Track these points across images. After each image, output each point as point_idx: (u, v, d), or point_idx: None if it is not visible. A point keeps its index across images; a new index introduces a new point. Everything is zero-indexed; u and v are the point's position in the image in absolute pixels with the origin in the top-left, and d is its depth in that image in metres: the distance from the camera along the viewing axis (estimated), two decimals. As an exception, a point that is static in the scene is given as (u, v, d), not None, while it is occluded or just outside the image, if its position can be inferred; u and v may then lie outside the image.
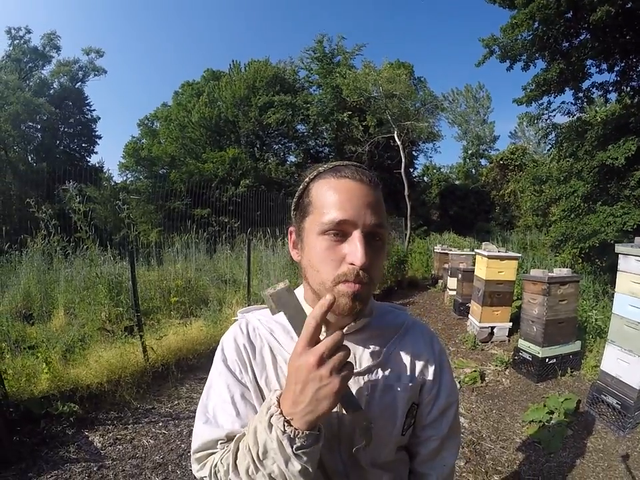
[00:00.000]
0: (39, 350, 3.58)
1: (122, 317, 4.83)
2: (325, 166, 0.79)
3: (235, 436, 0.73)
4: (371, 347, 0.84)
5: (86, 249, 5.29)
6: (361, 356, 0.83)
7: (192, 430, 3.07)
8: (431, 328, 1.03)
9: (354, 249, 0.69)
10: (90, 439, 3.08)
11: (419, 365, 0.88)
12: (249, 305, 5.75)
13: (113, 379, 3.66)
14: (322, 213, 0.72)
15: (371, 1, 58.97)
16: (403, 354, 0.87)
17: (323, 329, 0.76)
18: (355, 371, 0.79)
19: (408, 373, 0.86)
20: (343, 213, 0.71)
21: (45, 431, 3.10)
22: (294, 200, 0.82)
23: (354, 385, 0.79)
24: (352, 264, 0.70)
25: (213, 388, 0.83)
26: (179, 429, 3.29)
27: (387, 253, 0.80)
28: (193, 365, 4.43)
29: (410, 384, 0.85)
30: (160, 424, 3.35)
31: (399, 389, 0.84)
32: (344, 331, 0.77)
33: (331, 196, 0.73)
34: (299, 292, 0.88)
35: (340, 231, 0.71)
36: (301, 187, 0.80)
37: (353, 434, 0.79)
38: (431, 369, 0.89)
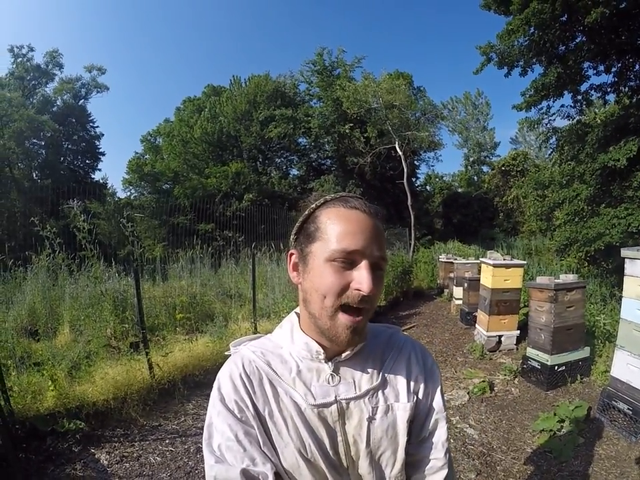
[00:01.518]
0: (44, 367, 3.57)
1: (127, 333, 4.82)
2: (332, 195, 0.84)
3: (250, 475, 0.73)
4: (369, 369, 0.87)
5: (91, 266, 5.30)
6: (360, 380, 0.85)
7: (199, 447, 3.04)
8: (422, 343, 1.04)
9: (362, 277, 0.74)
10: (96, 456, 3.06)
11: (413, 382, 0.90)
12: (254, 318, 5.87)
13: (119, 396, 3.64)
14: (332, 241, 0.76)
15: (369, 12, 59.51)
16: (398, 373, 0.90)
17: (322, 355, 0.83)
18: (355, 395, 0.83)
19: (405, 392, 0.88)
20: (354, 243, 0.75)
21: (51, 448, 3.07)
22: (296, 224, 0.85)
23: (356, 409, 0.82)
24: (358, 290, 0.75)
25: (214, 427, 0.79)
26: (186, 446, 3.26)
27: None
28: (200, 381, 4.39)
29: (408, 403, 0.87)
30: (167, 441, 3.33)
31: (398, 409, 0.86)
32: (342, 357, 0.84)
33: (343, 225, 0.77)
34: (294, 320, 0.91)
35: (349, 260, 0.76)
36: (306, 212, 0.83)
37: (360, 461, 0.83)
38: (424, 385, 0.92)
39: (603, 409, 3.40)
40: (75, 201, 4.97)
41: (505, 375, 4.61)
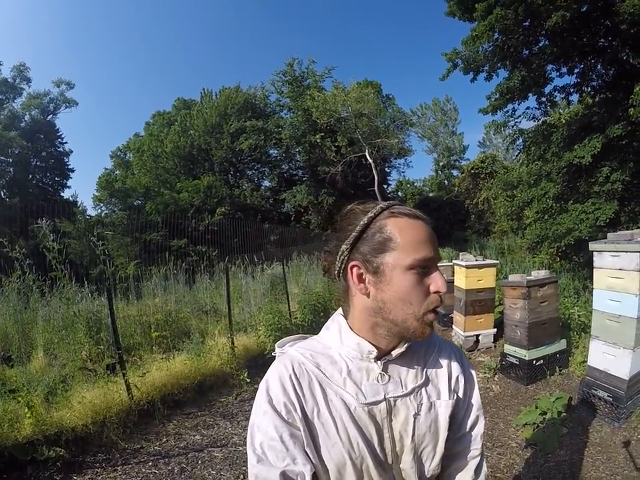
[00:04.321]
0: (20, 393, 3.44)
1: (103, 355, 4.69)
2: (385, 204, 0.85)
3: (289, 476, 0.75)
4: (414, 367, 0.91)
5: (62, 287, 5.15)
6: (406, 378, 0.89)
7: (183, 467, 2.97)
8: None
9: (439, 281, 0.81)
10: (78, 484, 2.96)
11: (454, 381, 0.95)
12: (230, 333, 5.76)
13: (98, 420, 3.53)
14: (410, 251, 0.79)
15: (338, 22, 60.22)
16: (439, 372, 0.94)
17: (374, 354, 0.86)
18: (403, 393, 0.87)
19: (446, 390, 0.93)
20: (430, 251, 0.81)
21: (33, 477, 2.97)
22: (352, 234, 0.83)
23: (402, 406, 0.86)
24: (438, 292, 0.81)
25: (258, 427, 0.81)
26: (169, 467, 3.16)
27: None
28: (179, 400, 4.29)
29: (450, 400, 0.92)
30: (150, 463, 3.23)
31: (440, 406, 0.91)
32: (392, 356, 0.87)
33: (416, 235, 0.80)
34: (341, 322, 0.92)
35: (425, 267, 0.80)
36: (365, 221, 0.82)
37: (404, 455, 0.87)
38: (463, 384, 0.97)
39: (583, 398, 3.47)
40: (44, 220, 4.82)
41: (485, 372, 4.67)
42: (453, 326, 6.14)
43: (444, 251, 16.39)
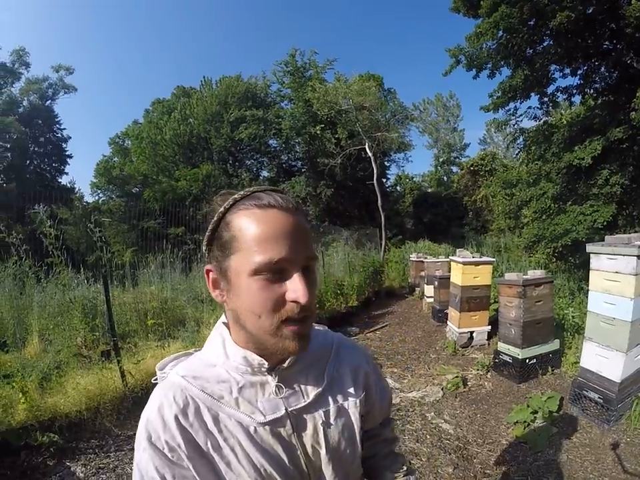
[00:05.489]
0: (14, 379, 3.45)
1: (98, 341, 4.71)
2: (241, 193, 0.72)
3: None
4: (312, 374, 0.82)
5: (58, 273, 5.14)
6: (306, 385, 0.80)
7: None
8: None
9: (296, 287, 0.67)
10: (72, 469, 2.98)
11: (358, 377, 0.90)
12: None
13: (92, 406, 3.55)
14: (253, 252, 0.66)
15: (341, 15, 59.82)
16: (342, 372, 0.87)
17: (266, 366, 0.74)
18: (305, 402, 0.78)
19: (352, 389, 0.87)
20: (278, 251, 0.66)
21: (26, 462, 2.98)
22: (207, 234, 0.72)
23: (308, 417, 0.78)
24: (295, 301, 0.67)
25: (138, 465, 0.70)
26: (163, 453, 3.19)
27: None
28: (174, 387, 4.31)
29: (357, 400, 0.86)
30: (143, 449, 3.25)
31: (349, 407, 0.84)
32: (284, 365, 0.76)
33: (261, 231, 0.67)
34: (224, 333, 0.79)
35: (276, 270, 0.67)
36: (215, 218, 0.71)
37: (322, 467, 0.79)
38: (368, 375, 0.92)
39: (574, 398, 3.50)
40: (42, 206, 4.80)
41: (478, 369, 4.70)
42: (448, 322, 6.16)
43: (441, 247, 16.43)
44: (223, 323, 0.81)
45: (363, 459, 0.91)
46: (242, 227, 0.68)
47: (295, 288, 0.67)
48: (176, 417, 0.70)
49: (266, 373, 0.75)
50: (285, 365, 0.76)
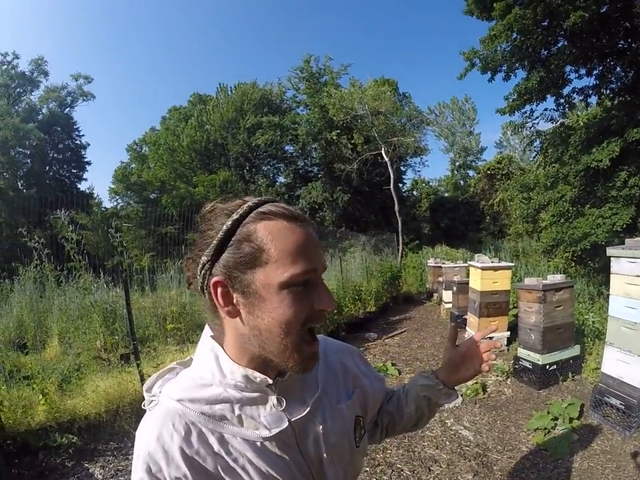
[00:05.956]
0: (34, 381, 3.52)
1: (117, 345, 4.76)
2: (254, 201, 0.70)
3: None
4: (306, 382, 0.82)
5: (78, 277, 5.23)
6: (303, 393, 0.80)
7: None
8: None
9: (324, 297, 0.68)
10: (90, 470, 3.02)
11: (348, 375, 0.92)
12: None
13: (111, 409, 3.59)
14: (285, 264, 0.65)
15: (355, 20, 60.04)
16: (331, 373, 0.88)
17: (266, 382, 0.72)
18: (306, 411, 0.77)
19: (344, 390, 0.88)
20: (308, 263, 0.67)
21: (44, 463, 3.04)
22: (212, 242, 0.67)
23: (309, 424, 0.78)
24: (323, 309, 0.69)
25: None
26: (180, 456, 3.22)
27: None
28: (192, 391, 4.34)
29: (349, 401, 0.87)
30: (161, 452, 3.28)
31: (344, 409, 0.86)
32: (285, 377, 0.75)
33: (292, 243, 0.66)
34: (217, 350, 0.75)
35: (304, 282, 0.66)
36: (228, 225, 0.66)
37: (324, 469, 0.80)
38: (358, 370, 0.95)
39: (595, 405, 3.43)
40: (63, 211, 4.91)
41: (497, 376, 4.64)
42: (466, 327, 6.10)
43: (458, 252, 16.29)
44: (210, 336, 0.77)
45: (392, 421, 1.04)
46: (272, 237, 0.65)
47: (323, 297, 0.68)
48: (180, 448, 0.66)
49: (265, 387, 0.73)
50: (285, 377, 0.75)
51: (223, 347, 0.74)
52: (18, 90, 26.70)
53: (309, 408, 0.78)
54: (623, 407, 3.15)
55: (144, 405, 0.74)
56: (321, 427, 0.79)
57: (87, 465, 3.08)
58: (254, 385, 0.72)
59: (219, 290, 0.67)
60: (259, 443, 0.71)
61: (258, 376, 0.71)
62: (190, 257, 0.74)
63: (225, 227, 0.66)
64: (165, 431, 0.67)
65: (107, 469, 3.04)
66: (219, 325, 0.75)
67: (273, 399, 0.74)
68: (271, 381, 0.72)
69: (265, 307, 0.66)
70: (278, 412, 0.74)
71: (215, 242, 0.66)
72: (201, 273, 0.69)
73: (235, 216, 0.67)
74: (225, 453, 0.69)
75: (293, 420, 0.74)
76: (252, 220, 0.67)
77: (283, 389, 0.75)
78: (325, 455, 0.79)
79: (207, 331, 0.79)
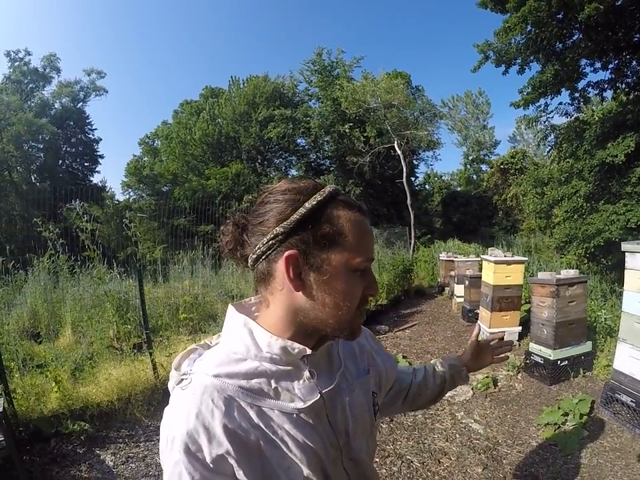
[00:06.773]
0: (47, 369, 3.58)
1: (130, 334, 4.83)
2: (330, 188, 0.74)
3: None
4: (330, 356, 0.86)
5: (92, 267, 5.30)
6: (329, 366, 0.84)
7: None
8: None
9: (373, 283, 0.77)
10: (102, 457, 3.07)
11: (364, 352, 0.97)
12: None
13: (123, 397, 3.65)
14: (357, 250, 0.72)
15: (368, 12, 59.58)
16: (351, 352, 0.93)
17: (303, 352, 0.74)
18: (334, 383, 0.81)
19: (360, 366, 0.93)
20: (370, 253, 0.76)
21: (56, 450, 3.09)
22: (295, 216, 0.69)
23: (337, 396, 0.81)
24: (371, 294, 0.77)
25: None
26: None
27: None
28: (203, 380, 4.38)
29: (365, 376, 0.92)
30: (172, 440, 3.32)
31: (364, 383, 0.91)
32: (317, 350, 0.78)
33: (363, 233, 0.74)
34: (251, 324, 0.76)
35: (364, 268, 0.75)
36: (313, 204, 0.70)
37: (350, 441, 0.83)
38: (371, 351, 1.00)
39: (606, 402, 3.40)
40: (78, 202, 4.98)
41: (508, 370, 4.62)
42: (478, 321, 6.06)
43: (470, 246, 16.16)
44: (238, 312, 0.79)
45: (402, 399, 1.15)
46: (350, 225, 0.72)
47: (372, 284, 0.77)
48: (222, 423, 0.66)
49: (298, 360, 0.75)
50: (316, 350, 0.78)
51: (257, 321, 0.77)
52: (30, 86, 26.93)
53: (336, 381, 0.81)
54: (634, 405, 3.12)
55: (174, 385, 0.74)
56: (347, 399, 0.83)
57: (98, 452, 3.13)
58: (289, 357, 0.74)
59: (291, 262, 0.69)
60: (294, 415, 0.73)
61: (297, 347, 0.73)
62: (234, 221, 0.77)
63: (308, 205, 0.70)
64: (204, 407, 0.67)
65: (118, 456, 3.09)
66: (264, 299, 0.78)
67: (305, 372, 0.76)
68: (309, 351, 0.75)
69: (335, 284, 0.71)
70: (311, 384, 0.76)
71: (296, 216, 0.69)
72: (267, 242, 0.71)
73: (318, 197, 0.71)
74: (265, 426, 0.70)
75: (323, 392, 0.77)
76: (335, 206, 0.72)
77: (313, 363, 0.78)
78: (352, 426, 0.83)
79: (233, 310, 0.81)
